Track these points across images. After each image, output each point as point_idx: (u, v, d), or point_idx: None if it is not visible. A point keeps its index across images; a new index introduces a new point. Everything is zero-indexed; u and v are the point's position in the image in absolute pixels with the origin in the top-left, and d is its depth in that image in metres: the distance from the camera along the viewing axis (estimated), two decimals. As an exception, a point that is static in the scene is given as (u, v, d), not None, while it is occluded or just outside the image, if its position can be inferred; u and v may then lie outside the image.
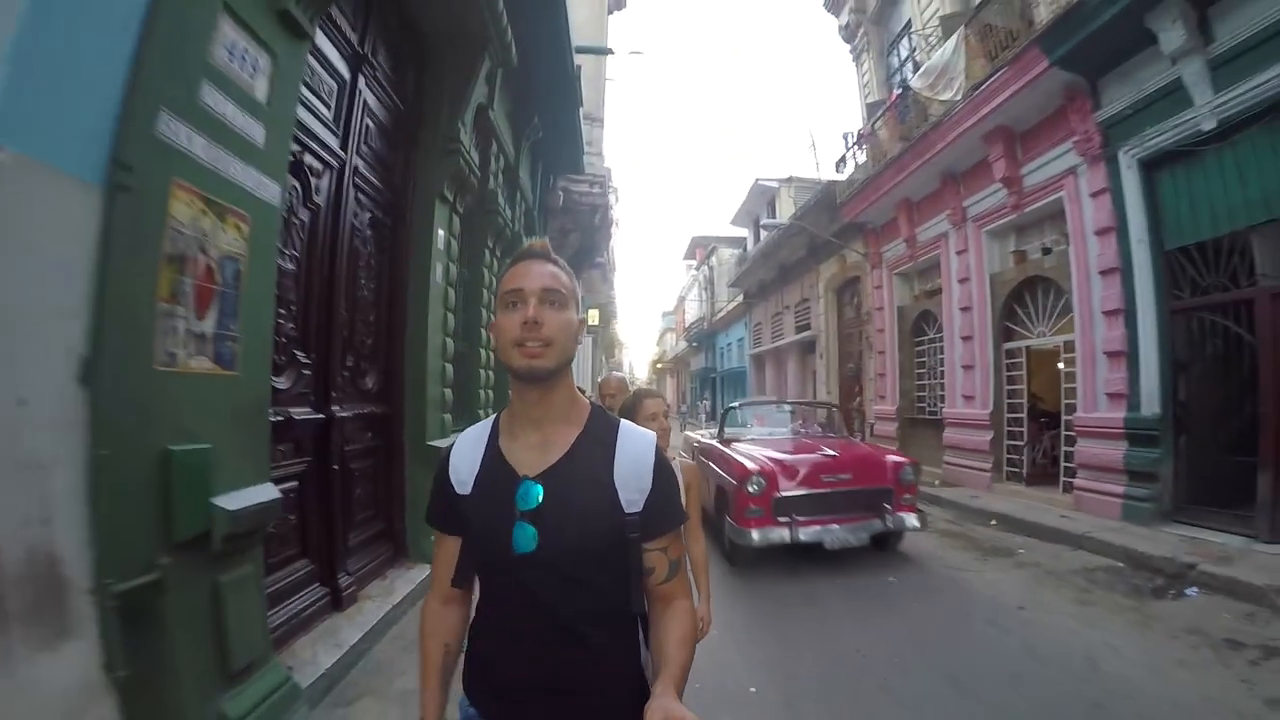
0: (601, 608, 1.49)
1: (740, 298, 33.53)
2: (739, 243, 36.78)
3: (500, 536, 1.45)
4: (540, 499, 1.45)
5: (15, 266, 2.21)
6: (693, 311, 48.24)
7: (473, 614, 1.64)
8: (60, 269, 2.43)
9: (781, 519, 7.23)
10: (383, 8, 6.08)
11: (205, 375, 3.15)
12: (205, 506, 3.04)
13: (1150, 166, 8.90)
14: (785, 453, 8.27)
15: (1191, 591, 6.34)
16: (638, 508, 1.50)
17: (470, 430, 1.67)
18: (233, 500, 3.18)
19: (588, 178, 15.82)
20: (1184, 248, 8.61)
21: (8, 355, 2.16)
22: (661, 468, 1.56)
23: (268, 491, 3.51)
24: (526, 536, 1.43)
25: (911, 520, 7.59)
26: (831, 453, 8.01)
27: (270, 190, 3.56)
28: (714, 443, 9.32)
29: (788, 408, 11.89)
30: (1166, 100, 8.39)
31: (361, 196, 5.92)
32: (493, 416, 1.66)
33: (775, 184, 28.93)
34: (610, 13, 21.53)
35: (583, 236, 17.42)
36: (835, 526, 7.28)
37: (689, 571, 1.61)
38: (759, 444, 8.92)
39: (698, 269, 46.37)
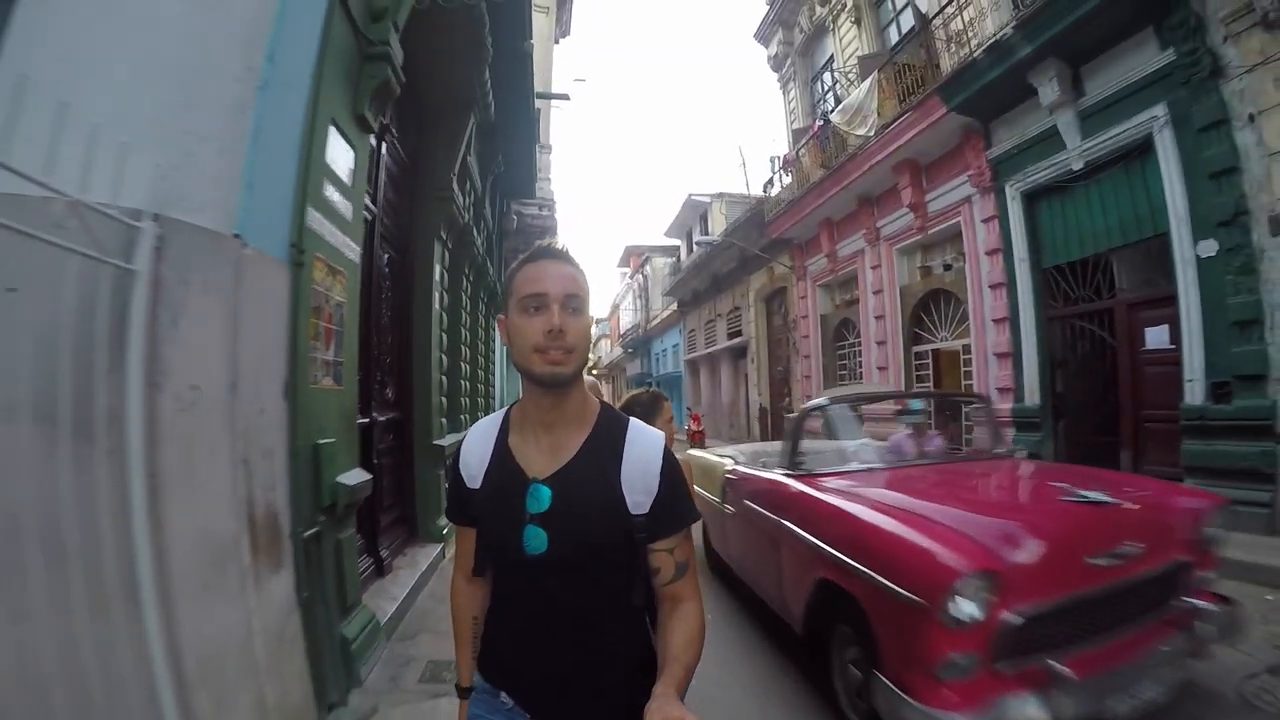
0: (613, 603, 1.48)
1: (675, 306, 33.98)
2: (672, 251, 37.17)
3: (511, 538, 1.44)
4: (549, 502, 1.43)
5: (258, 319, 2.99)
6: (627, 319, 48.08)
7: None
8: (275, 321, 3.24)
9: (1017, 671, 2.96)
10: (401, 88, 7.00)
11: (330, 390, 3.97)
12: (334, 483, 3.86)
13: (1031, 198, 10.28)
14: (983, 502, 4.12)
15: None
16: (644, 509, 1.46)
17: (482, 422, 1.64)
18: (347, 479, 4.01)
19: (538, 201, 16.57)
20: (1058, 266, 10.01)
21: (255, 379, 2.94)
22: (669, 469, 1.51)
23: (362, 474, 4.32)
24: (537, 538, 1.41)
25: (1217, 618, 3.40)
26: (1098, 497, 3.58)
27: (354, 251, 4.38)
28: (783, 480, 4.79)
29: (916, 407, 6.24)
30: (1044, 143, 9.74)
31: (384, 241, 6.68)
32: (504, 409, 1.64)
33: (707, 199, 29.79)
34: (556, 42, 22.41)
35: (533, 256, 18.18)
36: (1126, 669, 3.09)
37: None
38: (896, 484, 4.38)
39: (632, 277, 46.29)
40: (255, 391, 2.92)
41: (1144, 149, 8.42)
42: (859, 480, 4.42)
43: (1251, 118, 7.14)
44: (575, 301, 1.42)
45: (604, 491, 1.45)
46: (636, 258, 44.77)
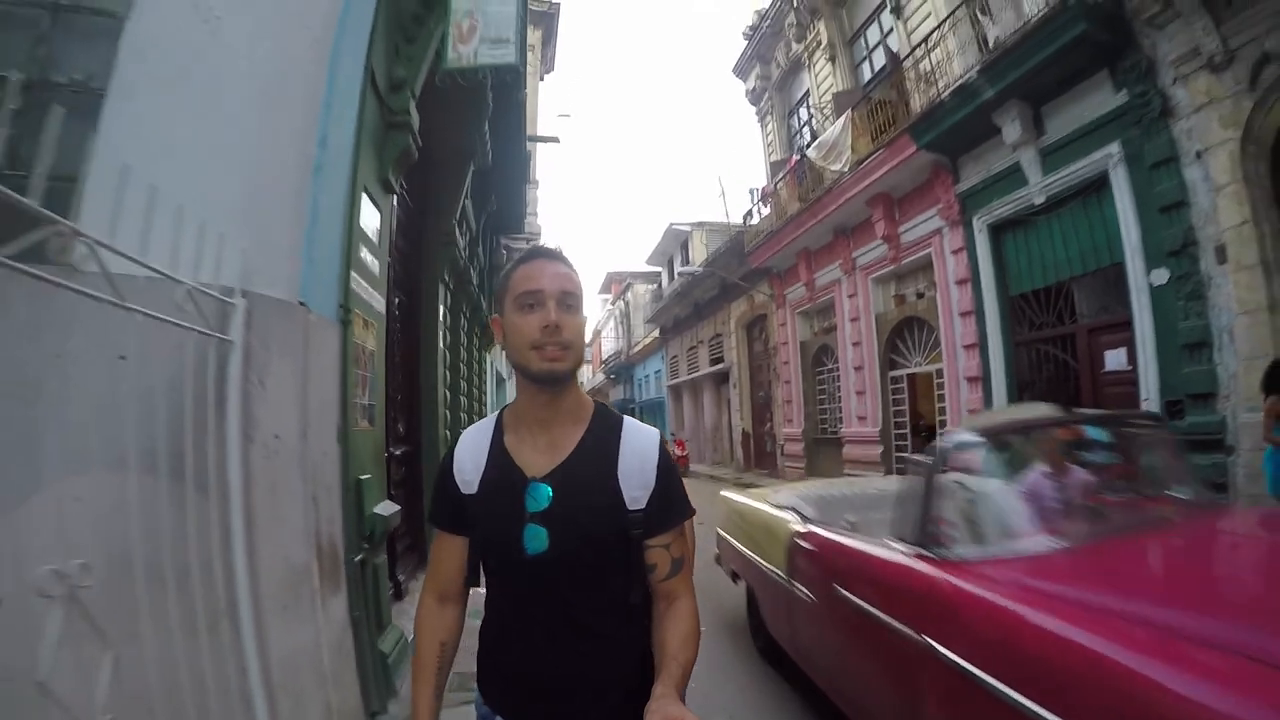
0: (613, 601, 1.46)
1: (656, 332, 34.21)
2: (654, 278, 37.47)
3: (511, 538, 1.41)
4: (549, 500, 1.41)
5: (319, 374, 3.32)
6: (609, 345, 48.24)
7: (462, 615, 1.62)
8: (330, 374, 3.58)
9: None
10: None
11: (366, 431, 4.28)
12: (372, 514, 4.15)
13: (997, 230, 10.77)
14: None
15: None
16: (641, 505, 1.45)
17: (473, 429, 1.61)
18: (382, 510, 4.31)
19: (525, 235, 17.00)
20: (1023, 294, 10.48)
21: (318, 426, 3.27)
22: (666, 464, 1.51)
23: (392, 506, 4.63)
24: (538, 537, 1.39)
25: None
26: None
27: (380, 302, 4.73)
28: (916, 566, 2.94)
29: (1099, 436, 3.81)
30: (1008, 179, 10.24)
31: (395, 286, 6.98)
32: (494, 414, 1.62)
33: (688, 227, 30.29)
34: (541, 78, 22.91)
35: (521, 289, 18.55)
36: None
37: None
38: (1141, 581, 2.57)
39: (614, 303, 46.41)
40: (319, 437, 3.25)
41: (1100, 184, 8.91)
42: (1062, 572, 2.56)
43: (1199, 154, 7.62)
44: (571, 299, 1.44)
45: (603, 487, 1.45)
46: (618, 284, 44.99)
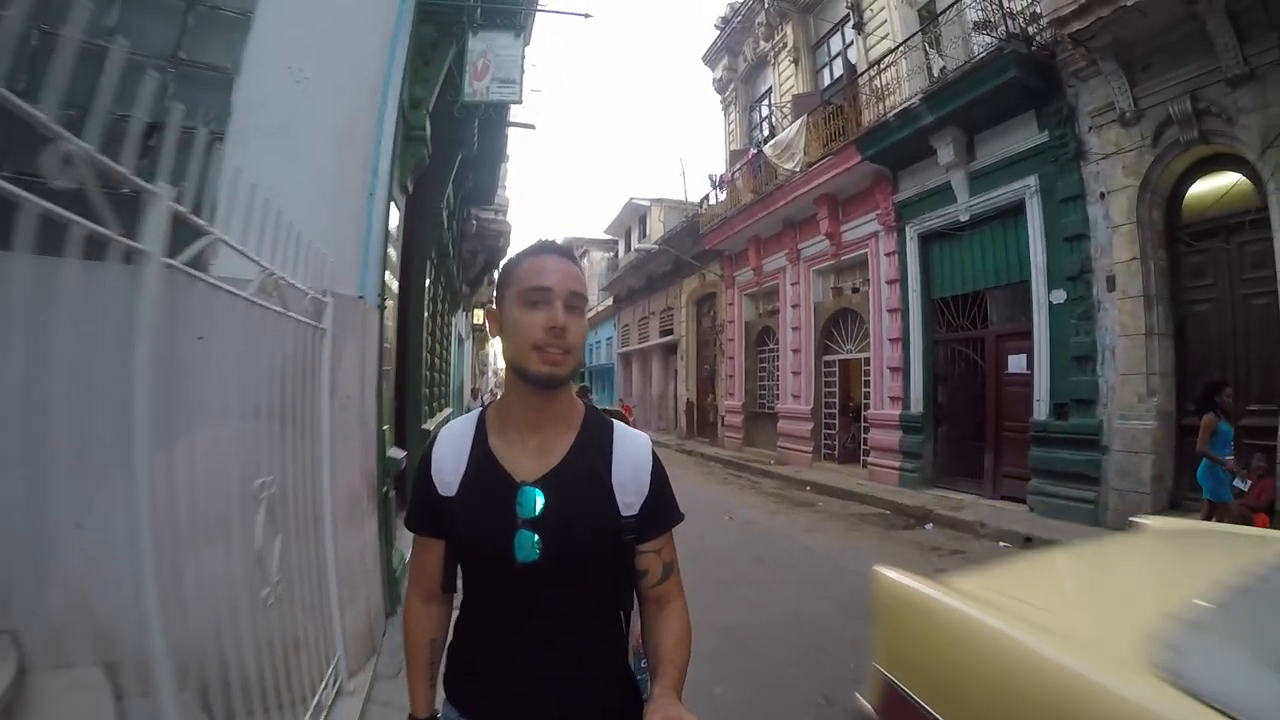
0: (600, 608, 1.41)
1: (610, 300, 34.42)
2: (610, 246, 37.48)
3: (500, 546, 1.31)
4: (542, 506, 1.32)
5: (369, 348, 3.99)
6: None
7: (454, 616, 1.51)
8: (373, 348, 4.20)
9: None
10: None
11: (386, 391, 4.95)
12: (388, 456, 4.80)
13: (926, 239, 11.64)
14: None
15: (928, 526, 9.01)
16: (634, 510, 1.39)
17: (452, 426, 1.50)
18: (395, 454, 5.01)
19: (494, 207, 17.24)
20: (944, 298, 11.44)
21: (367, 386, 3.96)
22: (658, 469, 1.46)
23: (400, 451, 5.36)
24: (529, 545, 1.30)
25: None
26: None
27: (396, 286, 5.41)
28: None
29: None
30: (939, 195, 11.09)
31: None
32: (475, 412, 1.51)
33: (647, 203, 30.41)
34: (515, 52, 23.04)
35: (488, 256, 18.88)
36: None
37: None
38: None
39: None
40: (366, 395, 3.95)
41: (1018, 210, 9.80)
42: None
43: (1103, 195, 8.55)
44: (577, 300, 1.33)
45: (597, 494, 1.37)
46: (576, 250, 44.22)
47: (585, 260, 40.54)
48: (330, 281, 3.12)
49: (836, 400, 14.95)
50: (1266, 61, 6.92)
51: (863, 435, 13.63)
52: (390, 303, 5.08)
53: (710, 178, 19.92)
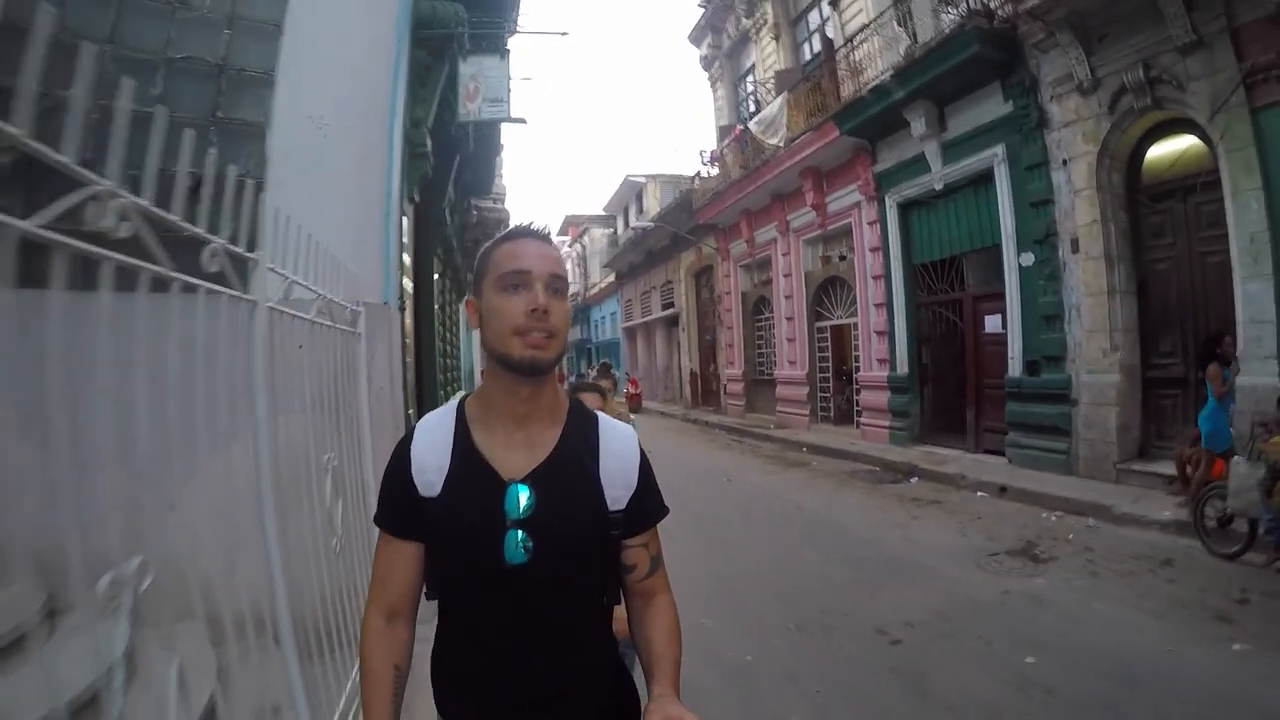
0: (589, 607, 1.36)
1: (613, 276, 34.78)
2: (610, 222, 37.52)
3: (489, 547, 1.24)
4: (531, 504, 1.25)
5: (394, 346, 4.55)
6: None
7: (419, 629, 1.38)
8: (397, 345, 4.76)
9: None
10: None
11: (409, 382, 5.59)
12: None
13: (905, 208, 12.10)
14: None
15: (913, 480, 9.62)
16: (622, 505, 1.34)
17: (428, 421, 1.41)
18: None
19: (493, 195, 17.77)
20: (924, 264, 11.94)
21: (395, 380, 4.51)
22: (644, 463, 1.42)
23: None
24: (518, 546, 1.23)
25: None
26: None
27: (410, 286, 6.00)
28: None
29: None
30: (915, 165, 11.54)
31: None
32: (451, 405, 1.43)
33: (643, 179, 30.62)
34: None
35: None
36: None
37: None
38: None
39: (571, 246, 45.50)
40: (394, 386, 4.54)
41: (987, 178, 10.24)
42: None
43: (1065, 162, 8.97)
44: (559, 283, 1.28)
45: (586, 489, 1.32)
46: (575, 228, 44.56)
47: (586, 238, 40.61)
48: (361, 293, 3.68)
49: (830, 364, 15.50)
50: (1214, 30, 7.22)
51: (855, 397, 14.21)
52: (407, 303, 5.64)
53: (701, 153, 20.32)
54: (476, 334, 29.58)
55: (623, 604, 1.44)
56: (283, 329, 2.46)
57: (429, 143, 5.82)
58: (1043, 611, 4.84)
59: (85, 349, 1.32)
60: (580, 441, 1.36)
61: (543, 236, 1.33)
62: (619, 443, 1.40)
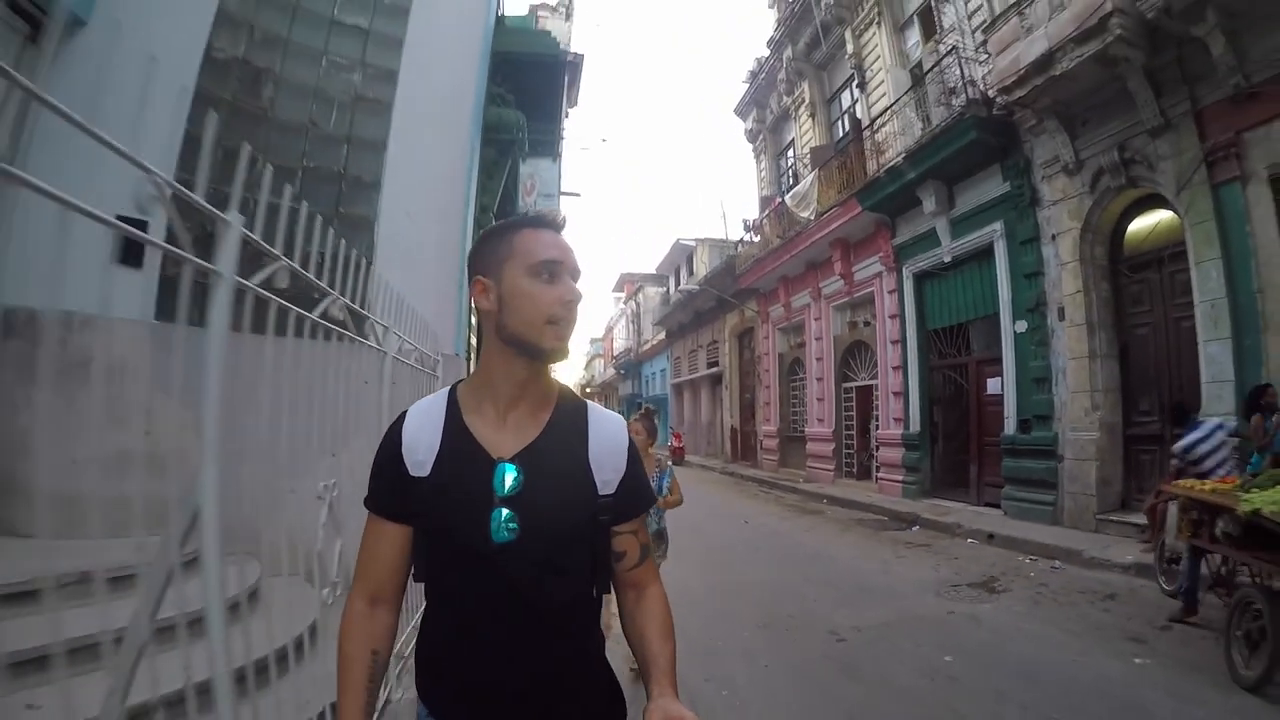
0: (577, 594, 1.32)
1: (663, 334, 35.65)
2: (663, 281, 38.29)
3: (476, 525, 1.22)
4: (518, 482, 1.23)
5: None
6: (620, 342, 48.72)
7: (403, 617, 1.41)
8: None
9: None
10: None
11: None
12: None
13: (919, 278, 13.07)
14: None
15: (915, 528, 10.38)
16: (611, 490, 1.32)
17: (421, 404, 1.38)
18: None
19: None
20: (936, 330, 12.85)
21: None
22: (633, 449, 1.40)
23: None
24: (505, 524, 1.21)
25: None
26: None
27: (474, 340, 7.22)
28: None
29: None
30: (928, 239, 12.54)
31: None
32: (443, 390, 1.40)
33: (693, 243, 31.61)
34: (565, 115, 24.91)
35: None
36: None
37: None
38: None
39: (625, 303, 46.83)
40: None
41: (988, 252, 11.17)
42: None
43: (1053, 237, 9.86)
44: (579, 275, 1.30)
45: (574, 470, 1.31)
46: (630, 285, 45.46)
47: (640, 295, 41.25)
48: (439, 345, 4.88)
49: (855, 423, 16.25)
50: (1179, 112, 7.98)
51: (874, 453, 14.98)
52: (471, 354, 6.85)
53: (744, 222, 21.49)
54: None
55: (613, 595, 1.42)
56: (396, 372, 3.60)
57: (494, 223, 7.16)
58: (977, 628, 5.60)
59: (275, 378, 2.23)
60: (569, 423, 1.35)
61: (562, 229, 1.35)
62: (608, 427, 1.38)
